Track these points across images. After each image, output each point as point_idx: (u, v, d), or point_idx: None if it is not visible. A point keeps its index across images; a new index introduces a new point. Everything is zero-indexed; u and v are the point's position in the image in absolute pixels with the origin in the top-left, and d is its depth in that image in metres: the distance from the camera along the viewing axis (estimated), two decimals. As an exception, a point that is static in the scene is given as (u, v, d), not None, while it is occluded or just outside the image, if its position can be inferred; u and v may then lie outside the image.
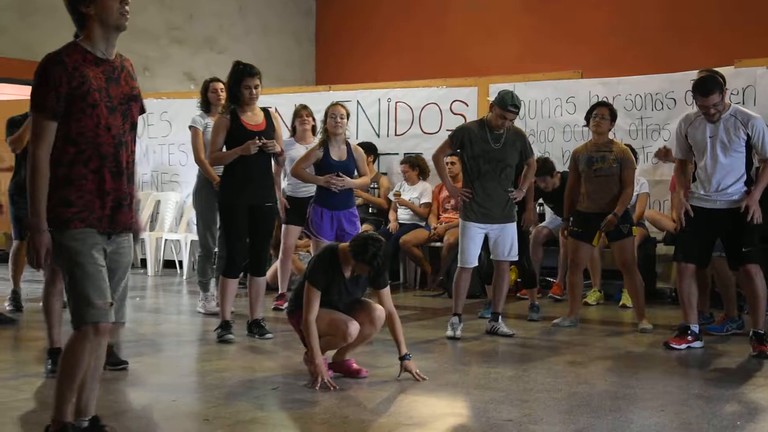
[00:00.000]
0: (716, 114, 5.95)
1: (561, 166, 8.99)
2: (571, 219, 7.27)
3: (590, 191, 7.11)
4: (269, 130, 6.48)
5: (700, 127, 6.08)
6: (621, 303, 8.27)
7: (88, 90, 3.47)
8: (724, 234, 6.11)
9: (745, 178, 6.04)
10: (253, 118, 6.46)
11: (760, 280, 5.98)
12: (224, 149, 6.39)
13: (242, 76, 6.38)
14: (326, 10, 13.25)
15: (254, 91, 6.39)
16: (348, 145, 7.16)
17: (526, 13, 10.94)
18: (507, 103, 6.53)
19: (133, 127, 3.68)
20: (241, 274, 6.89)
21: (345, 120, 7.08)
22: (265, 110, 6.60)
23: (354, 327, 5.14)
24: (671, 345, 6.16)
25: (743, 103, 7.73)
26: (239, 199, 6.39)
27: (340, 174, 6.99)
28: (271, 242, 8.71)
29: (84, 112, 3.48)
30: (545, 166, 8.18)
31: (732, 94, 7.83)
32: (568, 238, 7.39)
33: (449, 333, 6.67)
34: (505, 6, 11.12)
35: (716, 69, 6.54)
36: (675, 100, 8.67)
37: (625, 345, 6.53)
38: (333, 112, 7.08)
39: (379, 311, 5.26)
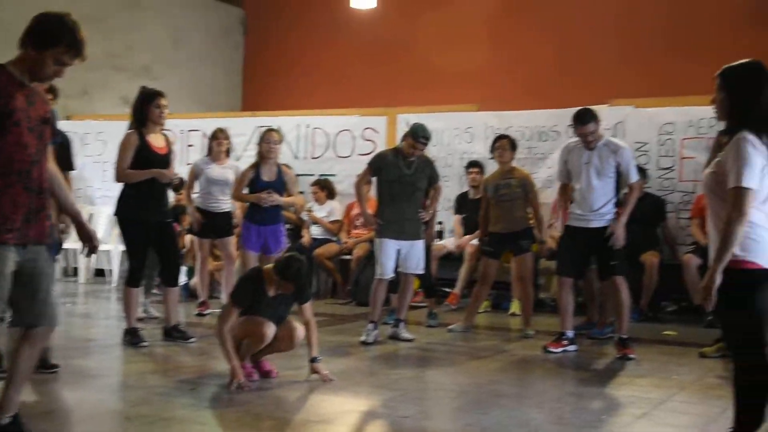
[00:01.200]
0: (592, 142, 6.15)
1: (458, 189, 9.13)
2: (486, 239, 7.38)
3: (499, 215, 7.23)
4: (170, 153, 6.42)
5: (578, 154, 6.26)
6: (510, 311, 8.40)
7: (14, 109, 3.38)
8: (596, 250, 6.28)
9: (615, 200, 6.23)
10: (157, 140, 6.36)
11: (625, 291, 6.16)
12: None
13: (153, 97, 6.28)
14: (253, 44, 13.21)
15: (164, 111, 6.30)
16: (279, 167, 7.15)
17: (432, 52, 11.08)
18: (419, 135, 6.62)
19: (46, 147, 3.58)
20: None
21: (278, 145, 7.10)
22: (165, 134, 6.51)
23: (271, 329, 5.08)
24: (549, 349, 6.28)
25: (616, 138, 7.95)
26: (141, 214, 6.25)
27: (270, 191, 7.02)
28: (192, 253, 8.60)
29: (7, 130, 3.38)
30: None
31: (606, 129, 8.06)
32: (482, 256, 7.48)
33: (363, 338, 6.64)
34: (412, 45, 11.25)
35: (593, 106, 6.72)
36: (558, 133, 8.88)
37: (511, 349, 6.63)
38: (268, 137, 7.08)
39: (299, 330, 5.20)
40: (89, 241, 3.82)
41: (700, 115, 8.19)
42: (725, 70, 3.49)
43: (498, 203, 7.20)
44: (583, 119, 6.15)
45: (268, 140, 7.04)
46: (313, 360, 5.19)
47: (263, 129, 7.60)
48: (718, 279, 3.30)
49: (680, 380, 5.34)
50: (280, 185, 7.08)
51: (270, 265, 5.14)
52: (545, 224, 7.58)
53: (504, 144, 7.27)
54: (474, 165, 8.73)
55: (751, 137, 3.31)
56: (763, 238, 3.35)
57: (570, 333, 6.36)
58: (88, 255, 3.97)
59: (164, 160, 6.31)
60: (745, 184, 3.26)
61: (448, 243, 9.10)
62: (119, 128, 9.91)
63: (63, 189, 3.76)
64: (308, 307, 5.24)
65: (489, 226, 7.30)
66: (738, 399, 3.44)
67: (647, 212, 7.82)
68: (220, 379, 5.04)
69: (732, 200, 3.28)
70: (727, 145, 3.39)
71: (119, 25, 11.76)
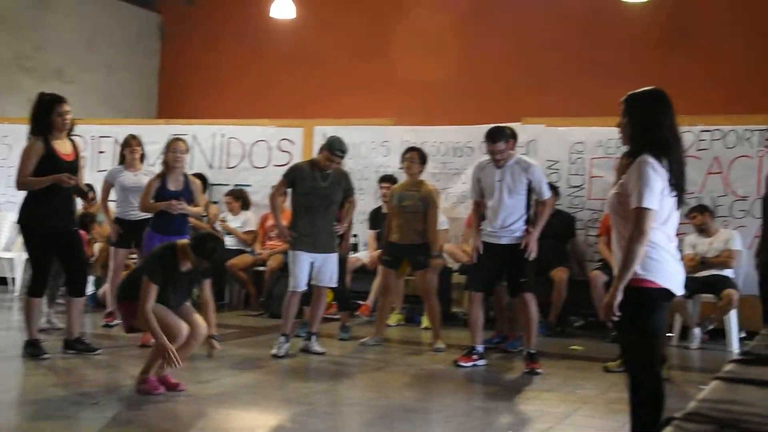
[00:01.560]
0: (501, 160, 6.24)
1: (374, 202, 9.15)
2: (385, 249, 7.40)
3: (399, 225, 7.26)
4: (77, 159, 6.24)
5: (490, 171, 6.35)
6: (423, 325, 8.44)
7: None
8: (506, 266, 6.37)
9: (525, 217, 6.34)
10: (63, 146, 6.17)
11: (534, 307, 6.28)
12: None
13: (52, 105, 6.10)
14: (170, 50, 12.97)
15: (66, 118, 6.13)
16: (186, 176, 7.01)
17: (350, 64, 11.10)
18: (335, 148, 6.62)
19: None
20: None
21: (184, 155, 6.93)
22: (72, 140, 6.33)
23: (185, 328, 5.04)
24: (459, 363, 6.33)
25: (528, 155, 8.12)
26: (45, 222, 6.06)
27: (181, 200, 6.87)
28: (101, 262, 8.37)
29: None
30: None
31: (519, 146, 8.21)
32: (380, 266, 7.51)
33: (274, 351, 6.56)
34: (331, 57, 11.24)
35: (506, 124, 6.84)
36: (473, 149, 9.00)
37: (422, 363, 6.67)
38: (174, 146, 6.90)
39: (202, 328, 5.16)
40: None
41: (609, 136, 8.42)
42: (629, 96, 3.63)
43: (400, 214, 7.23)
44: (494, 137, 6.24)
45: (174, 149, 6.87)
46: (211, 337, 5.21)
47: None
48: (619, 296, 3.40)
49: (584, 395, 5.46)
50: (188, 195, 6.94)
51: (184, 241, 5.16)
52: (438, 239, 7.59)
53: (413, 156, 7.31)
54: (385, 180, 8.75)
55: (652, 160, 3.43)
56: (663, 258, 3.47)
57: (480, 347, 6.44)
58: None
59: (71, 167, 6.12)
60: (646, 205, 3.37)
61: (363, 256, 9.11)
62: (25, 132, 9.66)
63: None
64: (208, 285, 5.34)
65: (389, 235, 7.32)
66: (633, 414, 3.53)
67: (558, 229, 8.00)
68: (125, 393, 4.91)
69: (634, 220, 3.39)
70: (629, 168, 3.51)
71: (28, 24, 11.39)
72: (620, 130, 3.68)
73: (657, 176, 3.41)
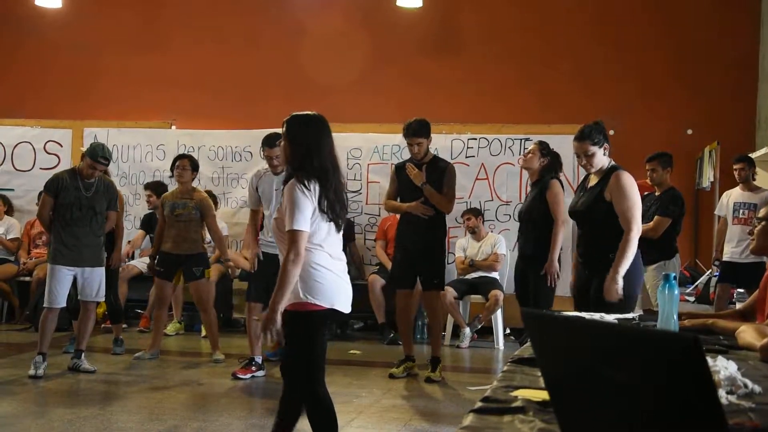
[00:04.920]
0: (278, 166, 6.17)
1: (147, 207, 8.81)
2: (157, 259, 7.14)
3: (173, 234, 7.04)
4: None
5: (269, 180, 6.29)
6: (203, 334, 8.24)
7: None
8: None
9: None
10: None
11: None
12: None
13: None
14: None
15: None
16: None
17: (125, 61, 10.54)
18: (97, 155, 6.31)
19: None
20: None
21: None
22: None
23: None
24: (238, 375, 6.26)
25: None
26: None
27: None
28: None
29: None
30: None
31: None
32: (154, 277, 7.24)
33: (31, 372, 6.17)
34: (100, 50, 10.60)
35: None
36: (252, 153, 8.91)
37: (200, 376, 6.49)
38: None
39: None
40: None
41: (384, 142, 8.69)
42: (291, 118, 3.73)
43: (173, 223, 7.04)
44: (271, 142, 6.18)
45: None
46: None
47: None
48: (278, 318, 3.49)
49: (359, 404, 5.56)
50: None
51: None
52: (225, 244, 7.53)
53: (184, 163, 7.10)
54: (149, 187, 8.48)
55: (300, 185, 3.54)
56: (328, 279, 3.59)
57: (258, 358, 6.39)
58: None
59: None
60: (296, 227, 3.48)
61: (138, 264, 8.76)
62: None
63: None
64: None
65: (162, 245, 7.11)
66: (279, 424, 3.73)
67: (336, 234, 8.10)
68: None
69: (288, 242, 3.50)
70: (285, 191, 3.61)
71: None
72: (281, 151, 3.86)
73: (306, 200, 3.52)
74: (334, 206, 3.58)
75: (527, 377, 2.32)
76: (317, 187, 3.54)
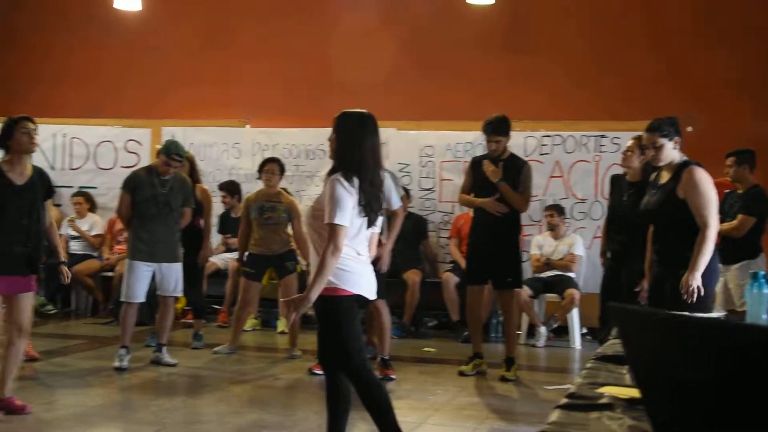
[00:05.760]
0: None
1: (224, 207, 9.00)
2: (245, 260, 7.28)
3: (262, 236, 7.17)
4: None
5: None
6: (279, 330, 8.40)
7: None
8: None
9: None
10: None
11: (386, 314, 6.31)
12: None
13: None
14: (4, 41, 12.19)
15: None
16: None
17: (201, 62, 10.80)
18: (171, 152, 6.50)
19: None
20: None
21: None
22: None
23: None
24: (315, 371, 6.34)
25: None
26: None
27: None
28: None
29: None
30: None
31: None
32: (241, 277, 7.38)
33: (116, 364, 6.39)
34: (180, 54, 10.90)
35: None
36: (325, 151, 8.99)
37: (278, 371, 6.61)
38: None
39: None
40: None
41: (457, 140, 8.69)
42: (339, 114, 3.92)
43: (262, 225, 7.17)
44: None
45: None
46: None
47: None
48: (310, 301, 3.69)
49: (435, 401, 5.59)
50: None
51: None
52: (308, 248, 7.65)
53: (273, 168, 7.24)
54: (223, 188, 8.66)
55: (342, 179, 3.69)
56: (353, 268, 3.79)
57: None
58: None
59: None
60: (337, 221, 3.64)
61: (216, 260, 8.97)
62: None
63: None
64: None
65: (250, 247, 7.26)
66: (329, 408, 4.01)
67: (410, 231, 8.13)
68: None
69: (328, 235, 3.65)
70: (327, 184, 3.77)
71: None
72: (329, 144, 4.01)
73: (347, 195, 3.68)
74: (370, 201, 3.76)
75: (612, 374, 2.32)
76: (357, 182, 3.70)
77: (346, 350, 3.82)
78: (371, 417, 3.90)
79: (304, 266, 8.03)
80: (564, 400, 1.96)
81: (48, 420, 4.87)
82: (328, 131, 8.56)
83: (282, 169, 7.31)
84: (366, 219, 3.78)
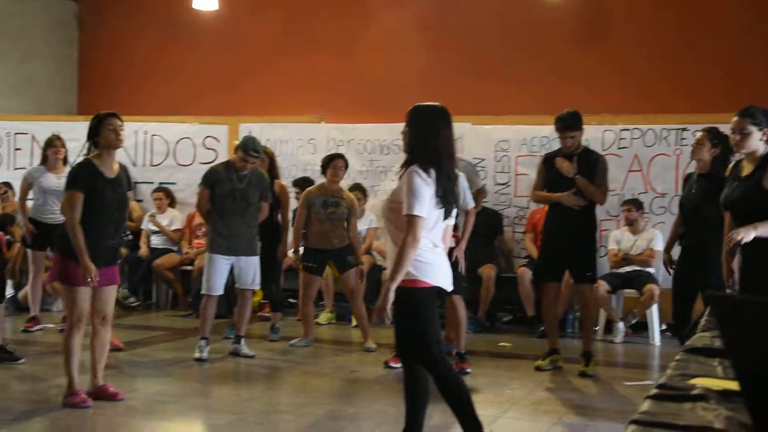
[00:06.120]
0: None
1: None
2: (303, 254, 7.33)
3: (324, 230, 7.23)
4: None
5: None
6: (354, 324, 8.43)
7: None
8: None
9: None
10: None
11: (462, 309, 6.29)
12: None
13: None
14: (89, 41, 12.55)
15: None
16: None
17: (276, 59, 10.95)
18: (249, 148, 6.60)
19: None
20: None
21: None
22: None
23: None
24: (390, 364, 6.37)
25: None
26: None
27: None
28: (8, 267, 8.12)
29: None
30: None
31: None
32: (301, 271, 7.45)
33: (196, 355, 6.54)
34: (255, 51, 11.08)
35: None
36: (399, 147, 9.01)
37: (352, 364, 6.66)
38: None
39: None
40: None
41: (532, 134, 8.61)
42: (412, 108, 3.92)
43: (324, 219, 7.22)
44: None
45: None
46: None
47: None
48: (392, 297, 3.71)
49: (512, 395, 5.56)
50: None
51: None
52: (361, 246, 7.75)
53: (341, 163, 7.29)
54: (296, 185, 8.75)
55: (420, 171, 3.70)
56: (431, 260, 3.80)
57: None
58: None
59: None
60: (416, 212, 3.66)
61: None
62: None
63: None
64: None
65: (311, 242, 7.28)
66: (407, 400, 4.02)
67: (485, 226, 8.07)
68: (50, 406, 4.80)
69: (406, 227, 3.66)
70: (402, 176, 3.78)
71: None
72: (402, 138, 3.99)
73: (425, 186, 3.69)
74: (447, 193, 3.77)
75: (703, 366, 2.27)
76: (434, 173, 3.71)
77: (426, 342, 3.83)
78: (450, 409, 3.89)
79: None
80: (654, 391, 1.93)
81: (130, 407, 5.01)
82: (402, 126, 8.61)
83: (347, 165, 7.37)
84: (443, 210, 3.80)
